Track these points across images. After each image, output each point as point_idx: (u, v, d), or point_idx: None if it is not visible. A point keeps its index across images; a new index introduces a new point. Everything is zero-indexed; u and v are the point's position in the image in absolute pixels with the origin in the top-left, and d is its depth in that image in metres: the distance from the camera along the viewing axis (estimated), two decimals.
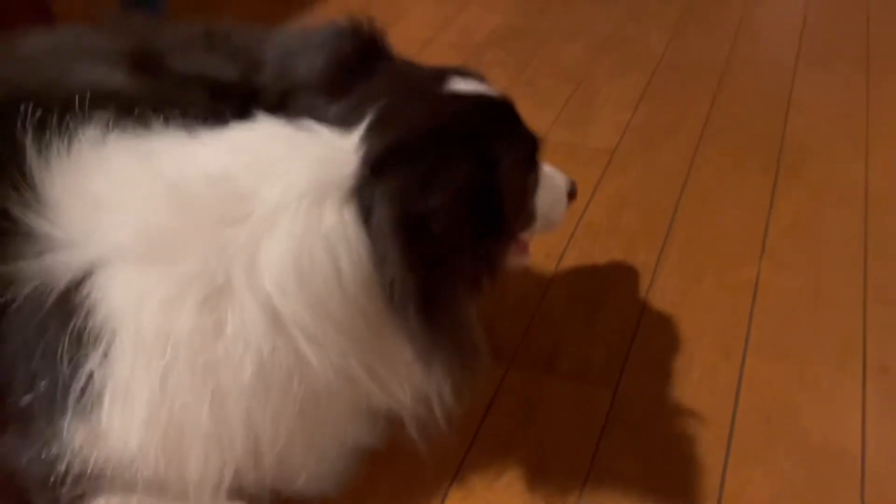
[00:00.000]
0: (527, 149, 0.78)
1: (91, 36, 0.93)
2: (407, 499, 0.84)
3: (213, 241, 0.60)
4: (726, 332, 1.04)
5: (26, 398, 0.59)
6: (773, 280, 1.12)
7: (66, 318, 0.58)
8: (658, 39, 1.83)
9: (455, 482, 0.86)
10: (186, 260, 0.59)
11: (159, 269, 0.59)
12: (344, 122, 0.67)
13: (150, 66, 0.87)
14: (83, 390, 0.57)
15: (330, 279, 0.60)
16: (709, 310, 1.08)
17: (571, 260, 1.18)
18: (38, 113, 0.66)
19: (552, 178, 0.87)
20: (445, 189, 0.62)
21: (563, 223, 0.93)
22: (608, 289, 1.12)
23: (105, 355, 0.57)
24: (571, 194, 0.92)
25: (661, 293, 1.11)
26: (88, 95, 0.70)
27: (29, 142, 0.63)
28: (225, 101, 0.83)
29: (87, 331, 0.58)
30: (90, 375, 0.57)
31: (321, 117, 0.68)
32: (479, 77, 0.78)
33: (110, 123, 0.68)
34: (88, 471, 0.61)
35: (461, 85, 0.74)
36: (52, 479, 0.61)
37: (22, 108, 0.65)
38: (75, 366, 0.58)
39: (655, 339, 1.04)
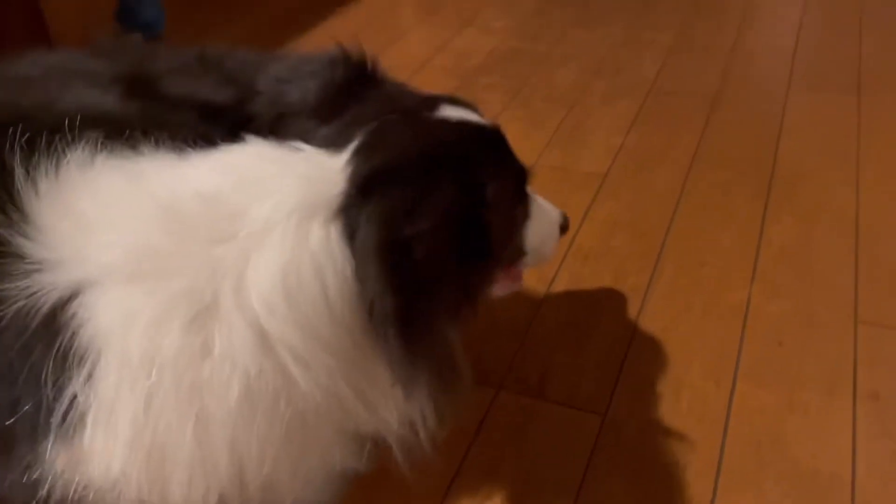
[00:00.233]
0: (515, 179, 0.78)
1: (84, 59, 0.93)
2: None
3: (201, 259, 0.60)
4: (716, 356, 1.04)
5: (9, 421, 0.59)
6: (763, 305, 1.12)
7: (52, 338, 0.57)
8: (651, 65, 1.85)
9: None
10: (174, 279, 0.59)
11: (147, 289, 0.59)
12: (333, 143, 0.68)
13: (142, 89, 0.87)
14: (66, 412, 0.57)
15: (317, 298, 0.60)
16: (699, 334, 1.08)
17: (562, 283, 1.18)
18: (28, 134, 0.66)
19: (544, 210, 0.87)
20: (429, 214, 0.62)
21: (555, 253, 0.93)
22: (598, 312, 1.12)
23: (89, 376, 0.57)
24: (564, 227, 0.92)
25: (652, 317, 1.11)
26: (79, 117, 0.70)
27: (17, 163, 0.63)
28: (216, 124, 0.83)
29: (72, 351, 0.57)
30: (74, 397, 0.57)
31: (311, 140, 0.69)
32: (471, 106, 0.78)
33: (100, 145, 0.68)
34: (70, 496, 0.60)
35: (451, 112, 0.74)
36: None
37: (11, 129, 0.65)
38: (59, 387, 0.57)
39: (645, 363, 1.04)
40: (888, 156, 1.45)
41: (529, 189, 0.83)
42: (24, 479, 0.59)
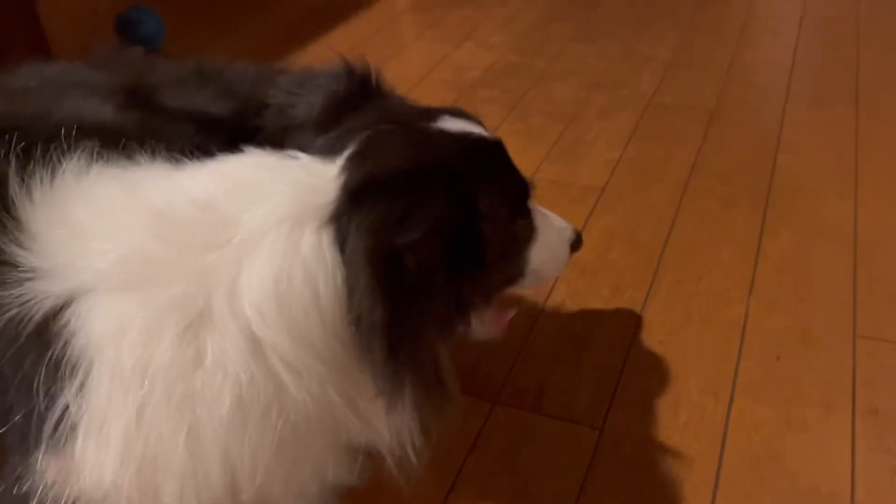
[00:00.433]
0: (514, 193, 0.77)
1: (82, 70, 0.94)
2: None
3: (195, 266, 0.59)
4: (714, 371, 1.04)
5: (0, 431, 0.58)
6: (761, 319, 1.12)
7: (44, 347, 0.57)
8: (649, 79, 1.86)
9: None
10: (168, 286, 0.58)
11: (140, 297, 0.58)
12: (328, 151, 0.67)
13: (140, 100, 0.87)
14: (58, 422, 0.56)
15: (308, 305, 0.60)
16: (696, 349, 1.07)
17: (559, 297, 1.18)
18: (23, 143, 0.66)
19: (553, 226, 0.84)
20: (420, 223, 0.61)
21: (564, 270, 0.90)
22: (595, 326, 1.12)
23: (82, 386, 0.56)
24: (575, 245, 0.88)
25: (649, 331, 1.11)
26: (75, 127, 0.71)
27: (12, 171, 0.63)
28: (214, 136, 0.83)
29: (64, 360, 0.57)
30: (66, 407, 0.56)
31: (309, 150, 0.69)
32: (475, 118, 0.78)
33: (96, 155, 0.68)
34: None
35: (451, 124, 0.73)
36: None
37: (7, 138, 0.65)
38: (51, 397, 0.57)
39: (642, 377, 1.03)
40: (886, 170, 1.45)
41: (535, 204, 0.82)
42: (15, 490, 0.59)
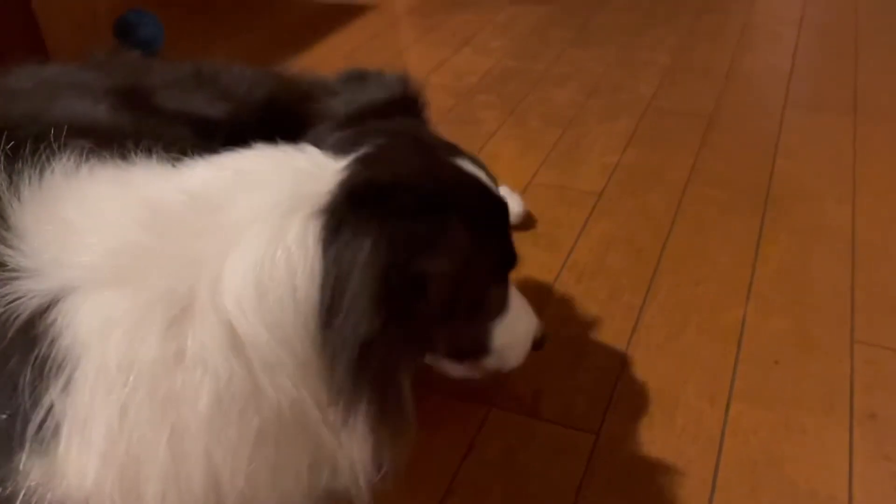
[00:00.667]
0: (503, 256, 0.76)
1: (77, 71, 0.93)
2: None
3: (183, 255, 0.58)
4: (711, 376, 1.03)
5: None
6: (759, 324, 1.11)
7: (30, 346, 0.56)
8: (647, 84, 1.86)
9: None
10: (154, 278, 0.57)
11: (126, 292, 0.57)
12: (338, 148, 0.66)
13: (135, 102, 0.87)
14: (42, 423, 0.55)
15: (286, 297, 0.58)
16: (693, 353, 1.07)
17: (556, 301, 1.17)
18: (13, 143, 0.65)
19: (524, 313, 0.84)
20: (449, 256, 0.60)
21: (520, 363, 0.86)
22: (593, 331, 1.11)
23: (66, 385, 0.55)
24: (538, 344, 0.87)
25: (646, 336, 1.10)
26: (67, 127, 0.70)
27: (0, 171, 0.63)
28: (210, 138, 0.83)
29: (50, 359, 0.56)
30: (50, 407, 0.55)
31: (320, 143, 0.68)
32: (491, 175, 0.76)
33: (87, 154, 0.67)
34: None
35: (468, 166, 0.72)
36: None
37: None
38: (36, 397, 0.55)
39: (639, 382, 1.02)
40: (884, 175, 1.45)
41: (512, 285, 0.81)
42: None
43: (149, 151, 0.69)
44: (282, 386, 0.58)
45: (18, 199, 0.61)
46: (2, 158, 0.63)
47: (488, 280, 0.75)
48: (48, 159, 0.65)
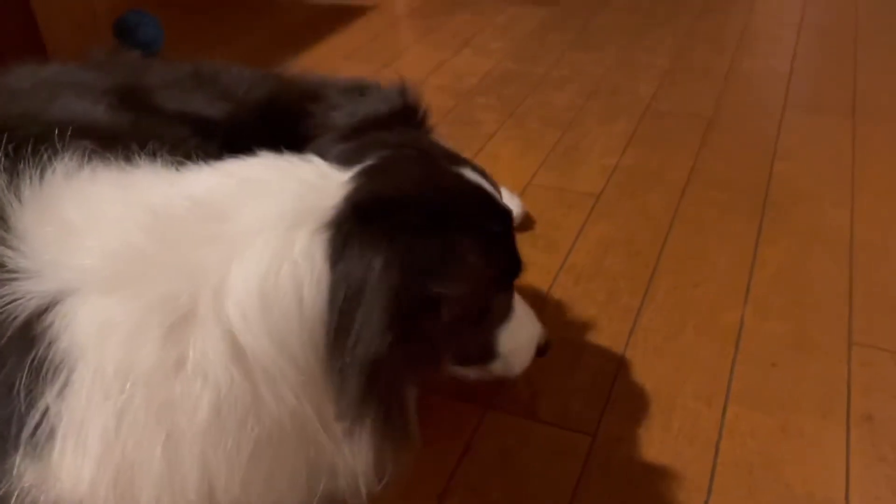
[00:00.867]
0: (508, 265, 0.76)
1: (76, 71, 0.93)
2: None
3: (185, 261, 0.58)
4: (708, 377, 1.03)
5: None
6: (757, 326, 1.11)
7: (27, 349, 0.56)
8: (646, 86, 1.86)
9: None
10: (154, 283, 0.57)
11: (125, 295, 0.57)
12: (344, 160, 0.66)
13: (134, 102, 0.87)
14: (37, 426, 0.55)
15: (291, 309, 0.58)
16: (691, 355, 1.07)
17: (554, 302, 1.17)
18: (13, 143, 0.65)
19: (528, 320, 0.84)
20: (466, 278, 0.61)
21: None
22: (590, 332, 1.11)
23: (62, 389, 0.55)
24: (542, 350, 0.88)
25: (644, 337, 1.10)
26: (68, 128, 0.70)
27: (0, 171, 0.63)
28: (209, 139, 0.83)
29: (46, 362, 0.55)
30: (46, 410, 0.55)
31: (325, 155, 0.68)
32: (494, 183, 0.76)
33: (87, 155, 0.67)
34: None
35: (471, 175, 0.72)
36: None
37: None
38: (32, 400, 0.55)
39: (637, 383, 1.03)
40: (883, 178, 1.45)
41: (517, 294, 0.81)
42: None
43: (152, 153, 0.69)
44: (283, 397, 0.58)
45: (19, 199, 0.61)
46: (1, 158, 0.63)
47: (495, 289, 0.75)
48: (49, 159, 0.65)
